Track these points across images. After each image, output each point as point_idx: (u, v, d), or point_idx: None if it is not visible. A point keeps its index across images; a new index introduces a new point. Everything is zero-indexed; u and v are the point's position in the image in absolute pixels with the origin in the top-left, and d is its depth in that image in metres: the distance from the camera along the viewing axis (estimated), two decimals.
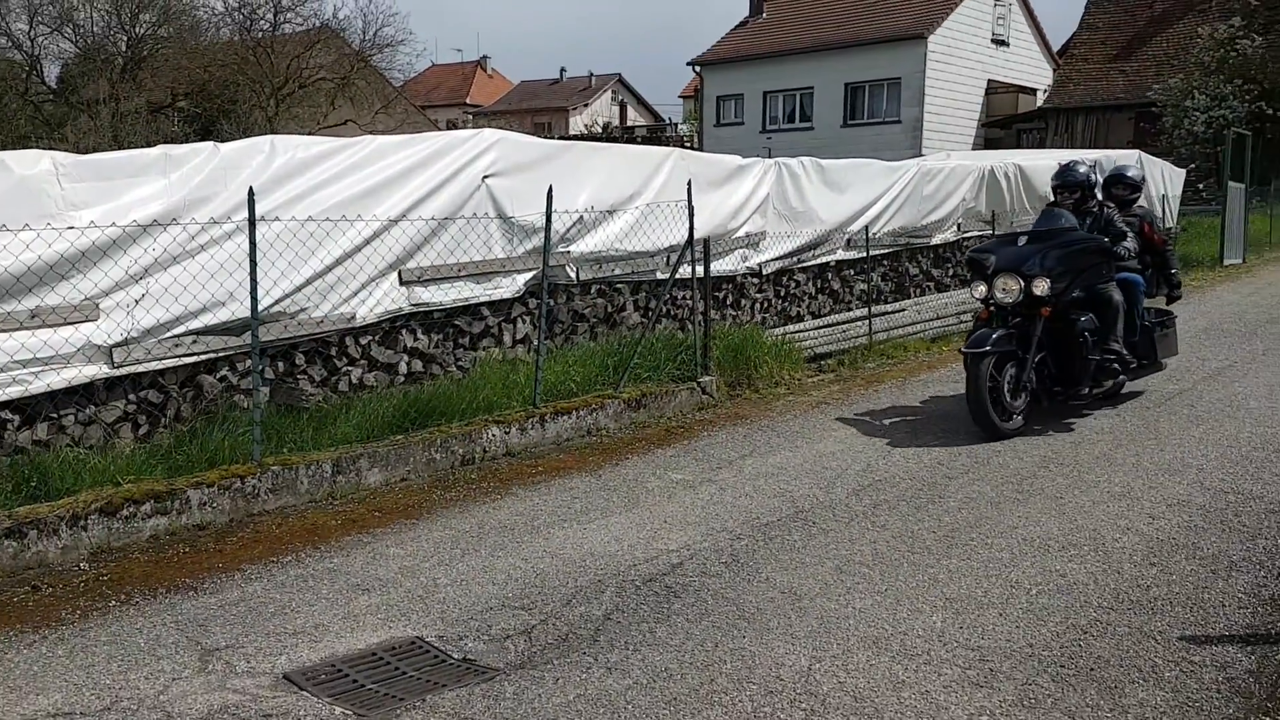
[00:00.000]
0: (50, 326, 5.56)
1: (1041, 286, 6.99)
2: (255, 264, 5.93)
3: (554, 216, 7.69)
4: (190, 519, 5.42)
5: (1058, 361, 7.39)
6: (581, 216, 8.47)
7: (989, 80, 35.97)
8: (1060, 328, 7.27)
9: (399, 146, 7.49)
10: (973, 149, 32.12)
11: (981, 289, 7.32)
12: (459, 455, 6.60)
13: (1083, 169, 7.91)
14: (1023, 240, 7.41)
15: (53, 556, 4.97)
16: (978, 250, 7.64)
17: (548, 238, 7.62)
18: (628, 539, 5.24)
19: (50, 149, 6.38)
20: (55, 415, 5.74)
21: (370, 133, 24.04)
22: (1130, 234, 7.71)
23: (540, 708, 3.58)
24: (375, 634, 4.19)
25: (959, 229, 13.45)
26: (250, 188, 6.00)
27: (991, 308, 7.28)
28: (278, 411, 6.50)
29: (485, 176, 7.87)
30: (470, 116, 52.58)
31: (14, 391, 5.48)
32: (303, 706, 3.60)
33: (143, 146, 7.12)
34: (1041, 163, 15.61)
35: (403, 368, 7.50)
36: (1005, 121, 35.86)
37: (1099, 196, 8.12)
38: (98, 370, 5.79)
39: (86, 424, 5.86)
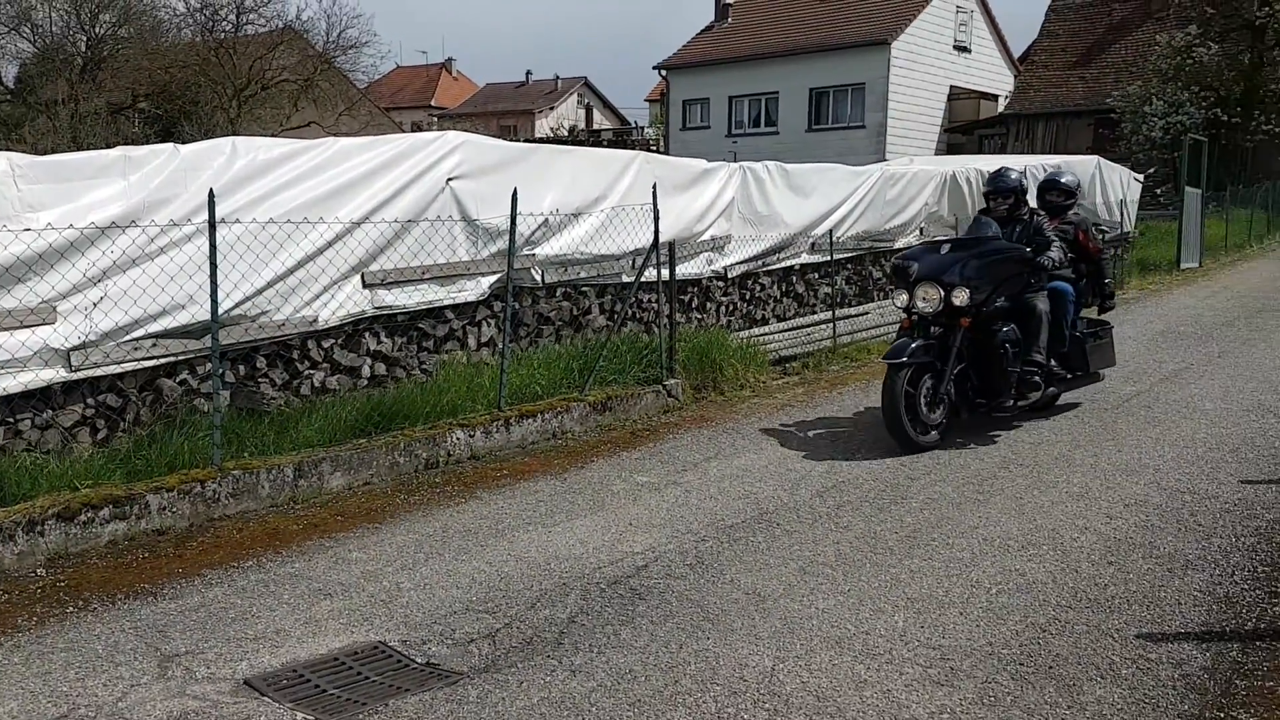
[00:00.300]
0: (6, 330, 5.46)
1: (960, 296, 6.79)
2: (215, 266, 5.87)
3: (519, 219, 7.68)
4: (150, 524, 5.36)
5: (980, 373, 7.15)
6: (547, 219, 8.45)
7: (951, 86, 36.35)
8: (982, 339, 7.06)
9: (362, 148, 7.43)
10: (935, 154, 32.45)
11: (903, 298, 7.08)
12: (423, 459, 6.56)
13: (1014, 175, 7.71)
14: (945, 249, 7.16)
15: (8, 562, 4.89)
16: (902, 257, 7.32)
17: (512, 240, 7.60)
18: (593, 542, 5.24)
19: (7, 150, 6.27)
20: (11, 419, 5.65)
21: (334, 135, 23.87)
22: (1057, 243, 7.39)
23: (504, 711, 3.57)
24: (337, 639, 4.16)
25: (922, 233, 13.56)
26: (210, 190, 5.93)
27: (914, 317, 7.06)
28: (239, 415, 6.43)
29: (449, 179, 7.83)
30: (435, 119, 52.33)
31: None
32: (264, 712, 3.57)
33: (102, 148, 7.01)
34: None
35: (366, 371, 7.44)
36: (968, 127, 36.25)
37: (1031, 203, 7.88)
38: (55, 374, 5.70)
39: (44, 428, 5.77)
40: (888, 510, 5.71)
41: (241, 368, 6.67)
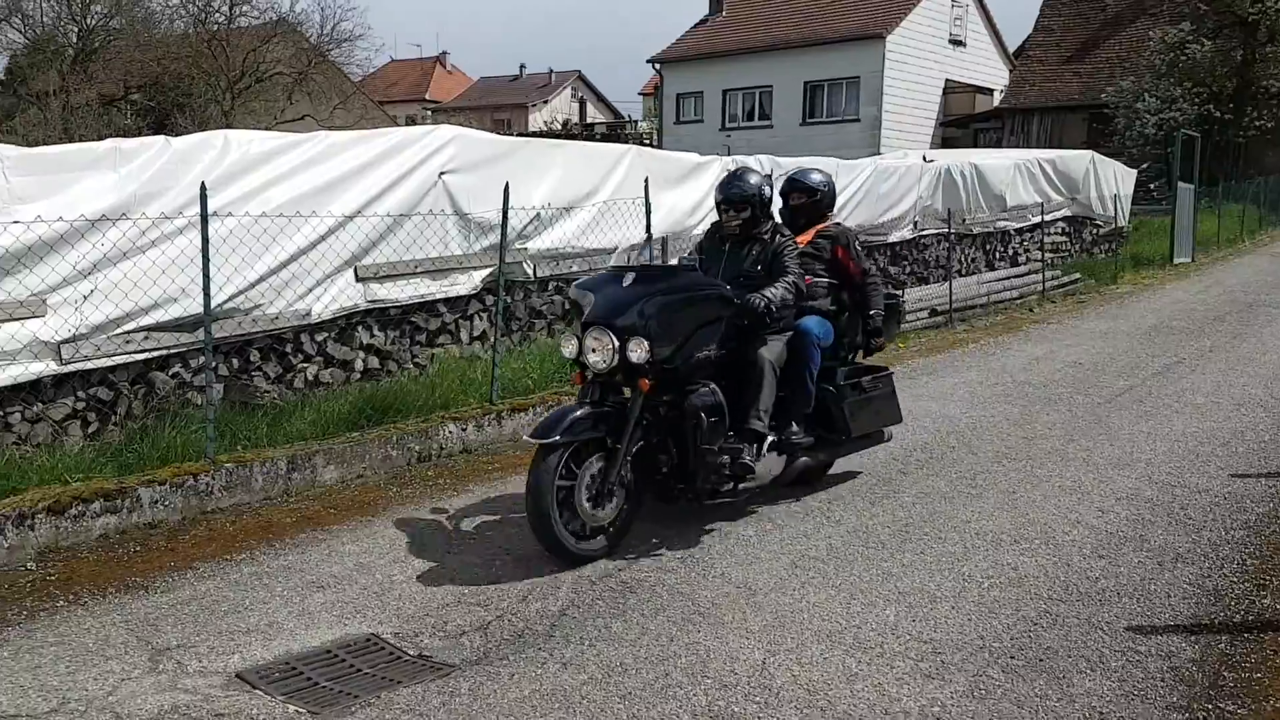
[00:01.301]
0: None
1: (638, 349, 4.78)
2: (208, 260, 5.86)
3: (511, 213, 7.67)
4: (142, 517, 5.34)
5: (680, 449, 5.09)
6: (539, 213, 8.45)
7: (946, 80, 36.34)
8: (675, 404, 5.06)
9: (355, 142, 7.43)
10: (931, 148, 32.43)
11: (571, 345, 5.01)
12: (416, 452, 6.56)
13: (753, 179, 5.58)
14: (629, 279, 5.03)
15: None
16: (580, 285, 5.26)
17: (504, 235, 7.59)
18: None
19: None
20: (1, 413, 5.63)
21: (328, 128, 23.82)
22: (792, 274, 5.38)
23: (496, 703, 3.58)
24: (330, 631, 4.16)
25: (915, 227, 13.59)
26: (203, 183, 5.92)
27: (588, 372, 5.04)
28: (231, 409, 6.42)
29: (442, 173, 7.83)
30: (429, 113, 52.21)
31: None
32: (255, 705, 3.57)
33: (94, 140, 6.99)
34: (996, 162, 15.84)
35: (359, 364, 7.44)
36: (963, 121, 36.26)
37: (776, 217, 5.82)
38: (45, 367, 5.68)
39: (34, 421, 5.76)
40: (880, 504, 5.72)
41: (235, 361, 6.67)
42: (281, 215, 6.60)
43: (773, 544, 5.11)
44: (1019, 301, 14.03)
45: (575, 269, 8.84)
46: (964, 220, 14.52)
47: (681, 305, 5.01)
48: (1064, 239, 17.88)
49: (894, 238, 13.26)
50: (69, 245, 5.75)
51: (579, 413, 4.84)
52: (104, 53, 29.97)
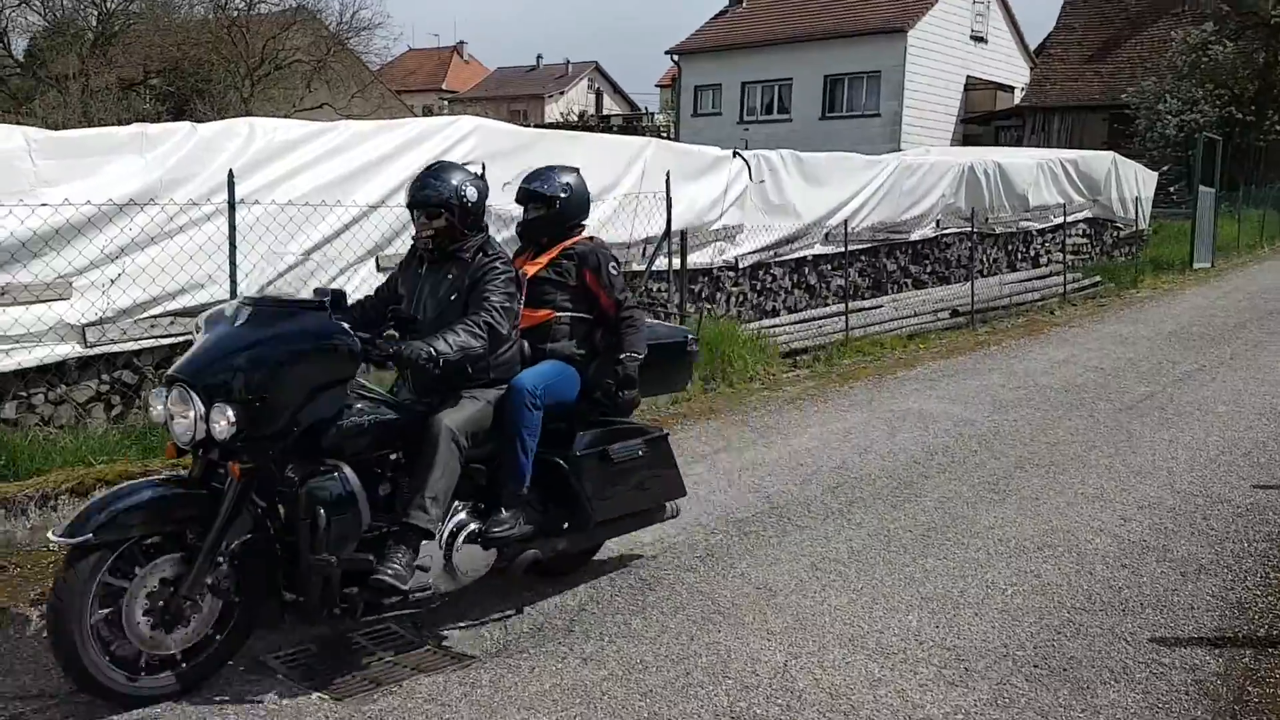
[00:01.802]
0: (21, 304, 5.48)
1: (221, 422, 3.45)
2: (234, 246, 5.89)
3: None
4: None
5: (290, 554, 3.67)
6: None
7: (968, 76, 36.15)
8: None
9: (377, 132, 7.45)
10: (951, 145, 32.30)
11: (158, 407, 3.62)
12: None
13: (453, 177, 4.11)
14: (244, 315, 3.66)
15: (21, 536, 4.90)
16: (208, 315, 3.83)
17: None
18: None
19: (19, 124, 6.27)
20: (25, 394, 5.66)
21: (346, 117, 23.80)
22: (485, 314, 3.90)
23: (517, 696, 3.58)
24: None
25: (938, 225, 13.53)
26: (230, 170, 5.93)
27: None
28: None
29: (463, 164, 7.81)
30: (446, 102, 52.18)
31: None
32: (273, 685, 3.57)
33: (114, 124, 7.01)
34: (1020, 161, 15.75)
35: None
36: (984, 118, 36.07)
37: (487, 229, 4.25)
38: (70, 349, 5.71)
39: (57, 403, 5.78)
40: (901, 508, 5.69)
41: None
42: (306, 204, 6.61)
43: (793, 545, 5.09)
44: (1040, 303, 13.96)
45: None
46: (987, 219, 14.45)
47: (288, 361, 3.55)
48: (1085, 241, 17.80)
49: (916, 236, 13.21)
50: (96, 229, 5.78)
51: (143, 495, 3.48)
52: (124, 37, 29.99)
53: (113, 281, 5.82)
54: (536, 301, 4.37)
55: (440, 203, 4.02)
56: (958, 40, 35.76)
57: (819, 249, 11.50)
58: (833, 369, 9.85)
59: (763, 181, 10.49)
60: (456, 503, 3.97)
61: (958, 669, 3.84)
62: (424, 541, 3.80)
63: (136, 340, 5.96)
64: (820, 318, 11.01)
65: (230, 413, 3.42)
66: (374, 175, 7.23)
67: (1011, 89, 37.16)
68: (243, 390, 3.46)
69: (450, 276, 4.07)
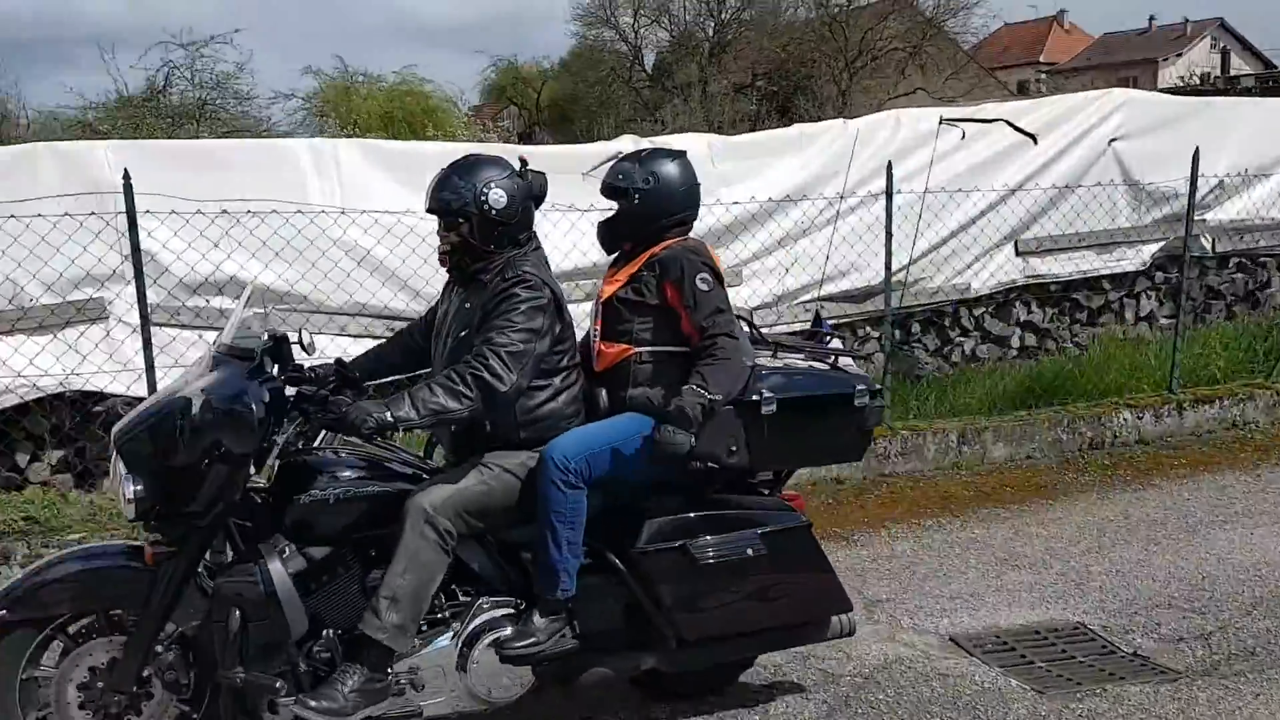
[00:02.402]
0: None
1: (126, 490, 2.83)
2: (890, 235, 6.13)
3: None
4: (828, 471, 5.68)
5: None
6: (1221, 181, 7.64)
7: None
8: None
9: (1020, 114, 7.33)
10: None
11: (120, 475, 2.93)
12: (1087, 437, 6.25)
13: (477, 180, 3.05)
14: (200, 367, 3.10)
15: None
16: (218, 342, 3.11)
17: (1191, 206, 6.89)
18: None
19: (652, 132, 7.16)
20: None
21: (940, 100, 23.70)
22: (483, 362, 2.89)
23: None
24: (1032, 612, 4.14)
25: None
26: (889, 162, 6.18)
27: None
28: (893, 379, 6.67)
29: (1111, 140, 7.44)
30: (1043, 75, 49.66)
31: None
32: (977, 671, 3.62)
33: (728, 126, 7.76)
34: None
35: (1015, 341, 7.35)
36: None
37: (528, 242, 3.17)
38: None
39: None
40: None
41: (897, 333, 6.91)
42: (943, 190, 6.68)
43: None
44: None
45: (1263, 243, 7.87)
46: None
47: (189, 427, 2.79)
48: None
49: None
50: (759, 224, 6.42)
51: (71, 568, 2.93)
52: (735, 43, 32.82)
53: (788, 269, 6.40)
54: (613, 333, 3.22)
55: (457, 210, 3.04)
56: None
57: None
58: None
59: None
60: (484, 600, 3.07)
61: None
62: (439, 648, 2.99)
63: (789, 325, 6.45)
64: None
65: (132, 490, 2.80)
66: (1015, 158, 7.13)
67: None
68: (150, 458, 2.83)
69: (467, 306, 3.10)
